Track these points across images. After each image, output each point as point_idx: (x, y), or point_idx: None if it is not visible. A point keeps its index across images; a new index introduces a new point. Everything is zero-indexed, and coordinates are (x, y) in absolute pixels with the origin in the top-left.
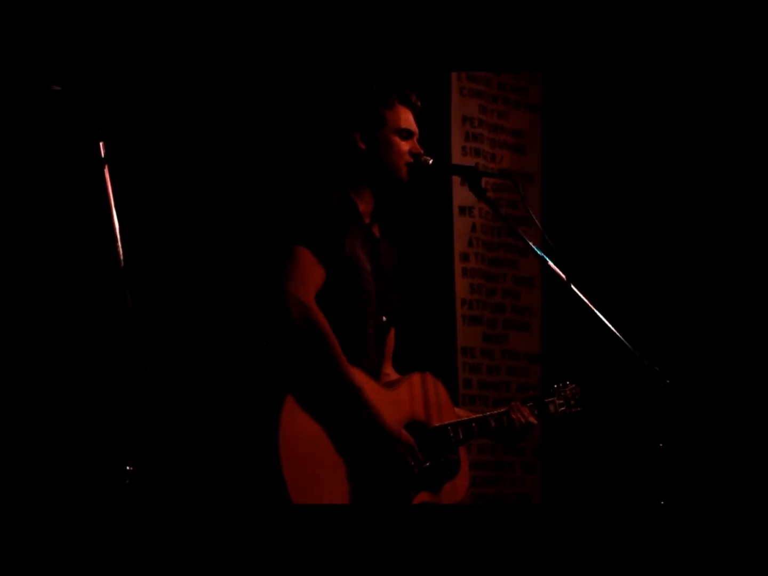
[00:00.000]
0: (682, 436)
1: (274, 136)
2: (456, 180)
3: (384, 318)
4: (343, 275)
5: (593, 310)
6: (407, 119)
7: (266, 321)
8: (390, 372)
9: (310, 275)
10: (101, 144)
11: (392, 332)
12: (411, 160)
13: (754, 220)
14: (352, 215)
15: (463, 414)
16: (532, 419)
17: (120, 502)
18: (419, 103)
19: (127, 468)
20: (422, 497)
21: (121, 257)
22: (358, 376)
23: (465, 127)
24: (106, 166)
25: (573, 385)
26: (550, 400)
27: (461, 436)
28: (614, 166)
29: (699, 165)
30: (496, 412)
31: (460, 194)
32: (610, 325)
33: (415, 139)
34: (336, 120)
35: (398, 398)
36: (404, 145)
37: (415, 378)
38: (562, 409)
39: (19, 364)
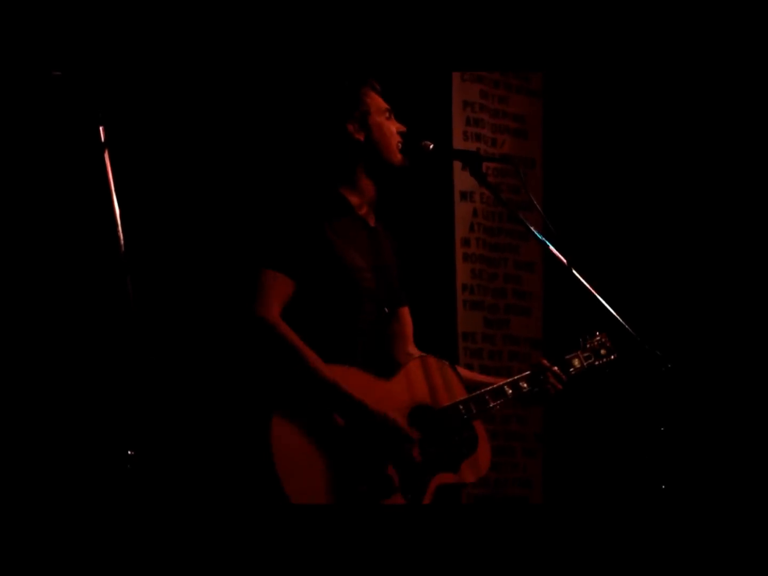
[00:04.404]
0: (684, 421)
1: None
2: (457, 165)
3: (386, 309)
4: (327, 274)
5: (594, 295)
6: (381, 100)
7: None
8: (413, 351)
9: (272, 290)
10: (101, 128)
11: (407, 312)
12: (401, 139)
13: (755, 202)
14: (337, 210)
15: (475, 377)
16: (556, 378)
17: (121, 488)
18: (378, 86)
19: (129, 453)
20: (441, 479)
21: (122, 242)
22: (345, 372)
23: (466, 112)
24: (107, 151)
25: (599, 335)
26: (572, 355)
27: (474, 411)
28: (615, 151)
29: (699, 150)
30: (514, 378)
31: (461, 179)
32: (611, 310)
33: (393, 118)
34: (323, 115)
35: (394, 387)
36: (391, 125)
37: (414, 363)
38: (590, 361)
39: (19, 350)
